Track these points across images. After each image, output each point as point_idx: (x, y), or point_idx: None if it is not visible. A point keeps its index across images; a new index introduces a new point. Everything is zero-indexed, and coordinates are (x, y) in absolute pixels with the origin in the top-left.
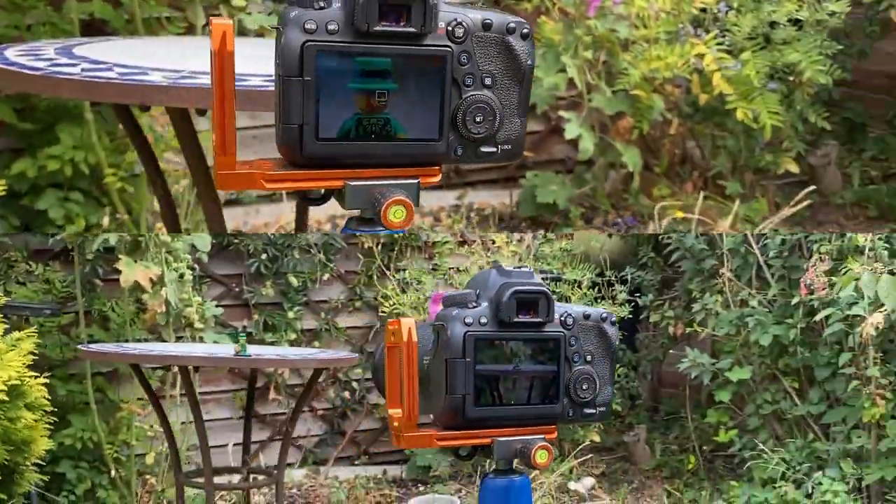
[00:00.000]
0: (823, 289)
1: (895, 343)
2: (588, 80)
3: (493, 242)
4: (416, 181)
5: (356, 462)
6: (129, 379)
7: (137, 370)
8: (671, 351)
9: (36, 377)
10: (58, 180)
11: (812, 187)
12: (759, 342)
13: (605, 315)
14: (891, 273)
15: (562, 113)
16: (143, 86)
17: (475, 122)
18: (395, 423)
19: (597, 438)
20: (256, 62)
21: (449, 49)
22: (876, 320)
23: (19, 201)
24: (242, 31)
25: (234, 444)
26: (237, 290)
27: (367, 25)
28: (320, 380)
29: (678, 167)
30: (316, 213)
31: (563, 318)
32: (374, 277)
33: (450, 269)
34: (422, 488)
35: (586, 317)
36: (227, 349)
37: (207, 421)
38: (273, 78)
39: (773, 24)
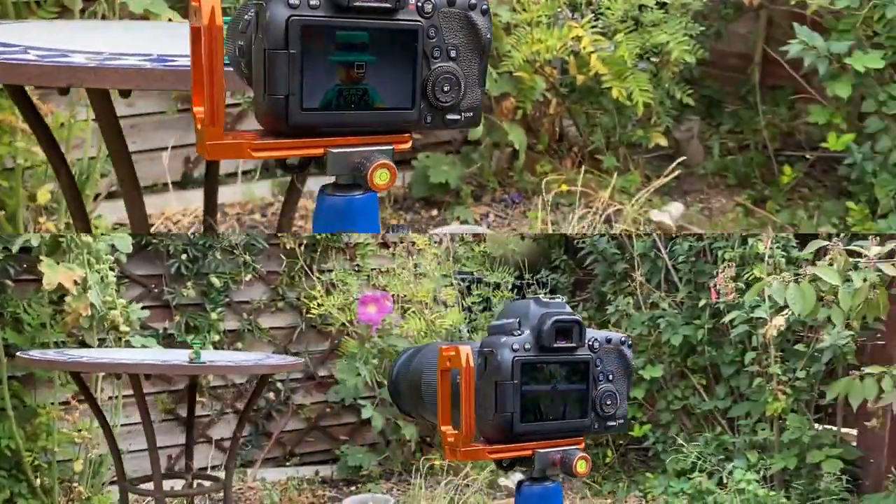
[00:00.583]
0: (731, 293)
1: (793, 343)
2: None
3: (414, 244)
4: (390, 147)
5: (287, 463)
6: (47, 383)
7: (77, 377)
8: None
9: None
10: None
11: (681, 158)
12: (670, 342)
13: (623, 339)
14: (796, 281)
15: None
16: (70, 67)
17: (443, 91)
18: (451, 440)
19: None
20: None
21: (420, 23)
22: (778, 322)
23: None
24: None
25: (160, 448)
26: (157, 290)
27: (347, 0)
28: (244, 381)
29: (556, 144)
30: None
31: (590, 343)
32: (297, 278)
33: (372, 269)
34: (353, 488)
35: (608, 340)
36: (179, 355)
37: (128, 425)
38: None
39: (641, 7)
